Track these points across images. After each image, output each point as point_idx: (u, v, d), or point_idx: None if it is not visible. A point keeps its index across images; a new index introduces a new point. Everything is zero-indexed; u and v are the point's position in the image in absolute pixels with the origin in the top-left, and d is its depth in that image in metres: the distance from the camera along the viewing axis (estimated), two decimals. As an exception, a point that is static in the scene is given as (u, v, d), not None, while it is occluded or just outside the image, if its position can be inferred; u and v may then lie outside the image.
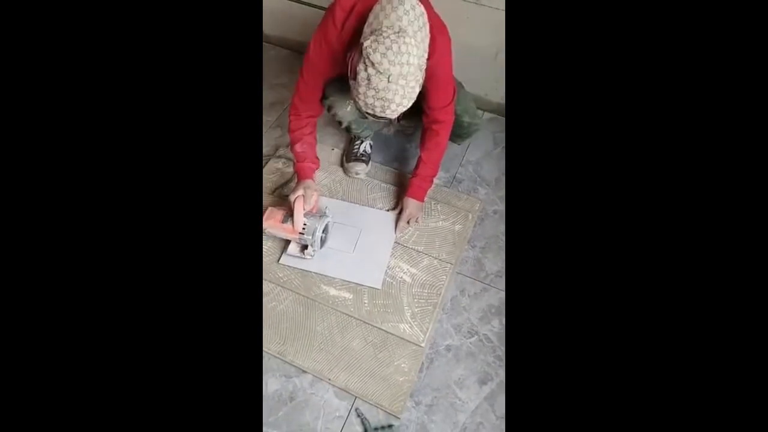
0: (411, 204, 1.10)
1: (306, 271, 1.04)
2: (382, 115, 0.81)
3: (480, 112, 1.20)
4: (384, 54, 0.74)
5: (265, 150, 1.30)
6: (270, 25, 1.53)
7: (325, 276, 1.04)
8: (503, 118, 1.40)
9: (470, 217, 1.15)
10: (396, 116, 0.84)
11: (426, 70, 0.83)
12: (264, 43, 1.59)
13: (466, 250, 1.11)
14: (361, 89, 0.78)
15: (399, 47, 0.75)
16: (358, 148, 1.22)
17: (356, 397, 0.90)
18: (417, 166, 1.11)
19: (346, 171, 1.23)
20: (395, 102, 0.79)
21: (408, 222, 1.11)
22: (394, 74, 0.75)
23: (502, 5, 1.17)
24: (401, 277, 1.05)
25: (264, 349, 0.95)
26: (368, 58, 0.75)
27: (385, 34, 0.76)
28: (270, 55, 1.56)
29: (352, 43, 0.86)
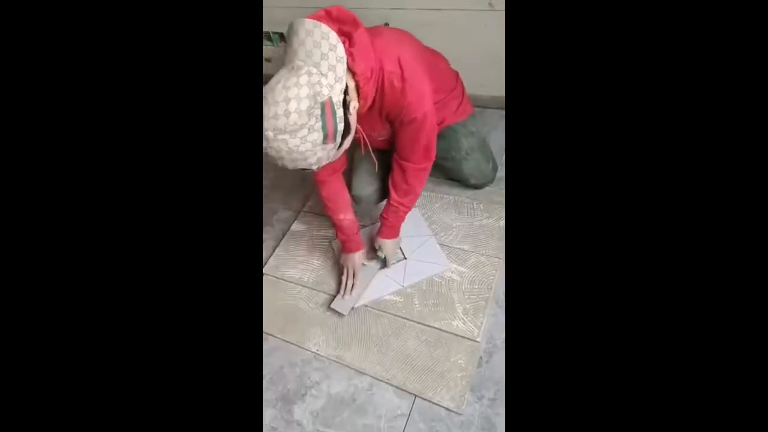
0: (387, 246, 1.08)
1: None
2: (295, 169, 0.74)
3: (493, 170, 1.23)
4: (261, 108, 0.68)
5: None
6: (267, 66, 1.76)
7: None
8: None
9: (512, 209, 1.18)
10: (316, 167, 0.75)
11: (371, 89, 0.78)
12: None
13: (515, 243, 1.13)
14: None
15: (274, 96, 0.67)
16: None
17: (416, 395, 0.94)
18: (387, 209, 1.04)
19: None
20: (287, 158, 0.70)
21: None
22: (269, 130, 0.67)
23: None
24: (450, 276, 1.09)
25: (323, 354, 1.04)
26: None
27: (271, 80, 0.70)
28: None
29: None
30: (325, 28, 0.71)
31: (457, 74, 1.15)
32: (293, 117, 0.67)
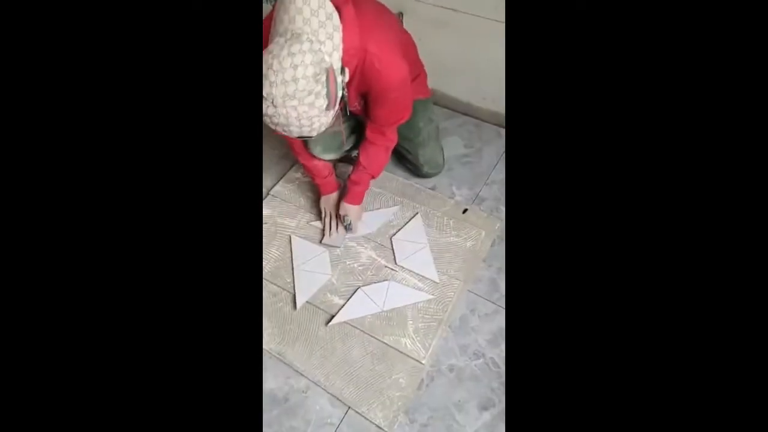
0: (351, 210, 1.17)
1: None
2: (299, 137, 0.78)
3: (443, 162, 1.31)
4: (265, 75, 0.69)
5: (291, 159, 1.43)
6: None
7: (333, 284, 1.13)
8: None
9: (483, 234, 1.19)
10: (316, 134, 0.78)
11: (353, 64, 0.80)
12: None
13: (482, 269, 1.15)
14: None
15: (280, 62, 0.68)
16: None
17: (349, 407, 0.96)
18: (355, 170, 1.13)
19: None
20: (294, 125, 0.73)
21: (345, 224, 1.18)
22: (278, 97, 0.69)
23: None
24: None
25: (266, 347, 1.04)
26: None
27: (270, 48, 0.71)
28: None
29: None
30: None
31: (422, 63, 1.18)
32: (302, 83, 0.69)
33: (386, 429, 0.92)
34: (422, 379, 0.98)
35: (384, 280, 1.12)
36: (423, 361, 1.00)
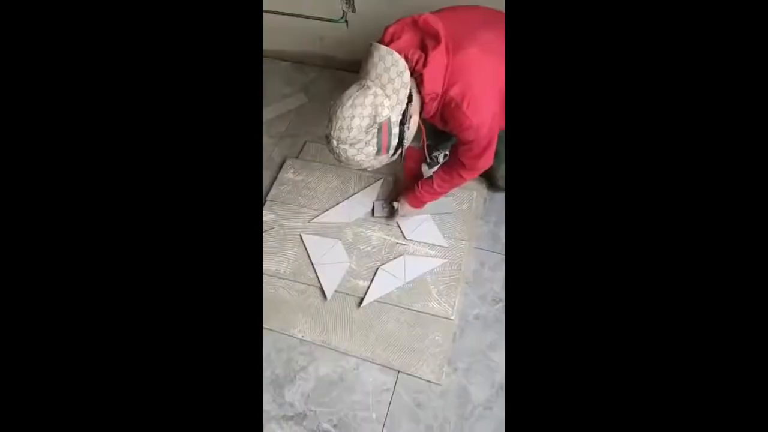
0: (406, 207, 1.21)
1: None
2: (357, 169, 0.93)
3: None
4: (330, 118, 0.86)
5: (278, 159, 1.47)
6: (266, 41, 1.70)
7: (353, 269, 1.22)
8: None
9: (475, 194, 1.31)
10: (371, 170, 0.94)
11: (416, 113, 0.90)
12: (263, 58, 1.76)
13: (480, 225, 1.28)
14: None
15: (342, 111, 0.83)
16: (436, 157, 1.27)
17: (399, 371, 1.08)
18: (429, 188, 1.14)
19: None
20: (351, 162, 0.88)
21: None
22: (334, 139, 0.85)
23: None
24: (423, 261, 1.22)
25: (309, 339, 1.14)
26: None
27: (346, 92, 0.86)
28: (269, 69, 1.73)
29: None
30: (396, 56, 0.84)
31: None
32: (354, 132, 0.84)
33: (436, 381, 1.06)
34: (455, 333, 1.12)
35: (399, 256, 1.23)
36: (452, 317, 1.13)
